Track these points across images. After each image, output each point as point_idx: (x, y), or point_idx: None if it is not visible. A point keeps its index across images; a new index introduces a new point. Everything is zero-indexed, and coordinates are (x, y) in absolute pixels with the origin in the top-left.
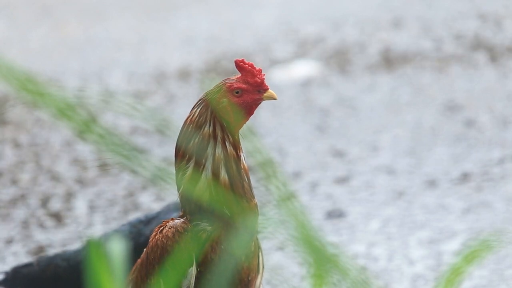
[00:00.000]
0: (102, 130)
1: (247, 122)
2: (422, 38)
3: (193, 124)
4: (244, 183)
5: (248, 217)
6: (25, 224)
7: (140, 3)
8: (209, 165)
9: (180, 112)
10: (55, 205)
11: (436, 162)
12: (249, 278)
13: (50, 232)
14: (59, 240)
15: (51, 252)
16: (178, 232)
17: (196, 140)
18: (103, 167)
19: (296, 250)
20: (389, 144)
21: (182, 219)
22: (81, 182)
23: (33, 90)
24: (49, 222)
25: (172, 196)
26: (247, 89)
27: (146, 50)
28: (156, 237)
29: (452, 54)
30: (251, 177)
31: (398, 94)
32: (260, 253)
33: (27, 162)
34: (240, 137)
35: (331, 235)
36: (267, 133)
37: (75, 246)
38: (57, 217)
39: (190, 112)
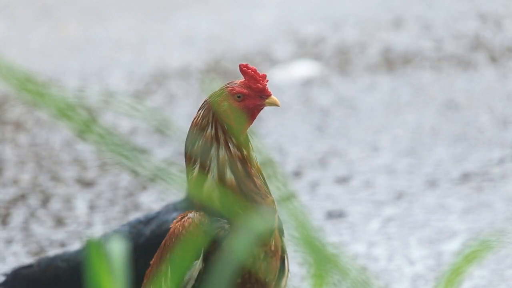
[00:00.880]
0: (102, 130)
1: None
2: (422, 38)
3: (197, 126)
4: (257, 180)
5: (262, 214)
6: (25, 224)
7: (140, 3)
8: (214, 166)
9: (180, 112)
10: (55, 205)
11: (436, 162)
12: (267, 280)
13: (50, 232)
14: (59, 240)
15: (51, 252)
16: (194, 224)
17: (200, 142)
18: (103, 167)
19: (296, 250)
20: (389, 144)
21: (198, 214)
22: (81, 182)
23: (33, 90)
24: (49, 222)
25: (172, 196)
26: (248, 94)
27: (146, 50)
28: (176, 224)
29: (452, 54)
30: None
31: (398, 94)
32: (285, 256)
33: (27, 162)
34: (248, 137)
35: (331, 235)
36: (267, 133)
37: (75, 246)
38: (57, 218)
39: (196, 114)
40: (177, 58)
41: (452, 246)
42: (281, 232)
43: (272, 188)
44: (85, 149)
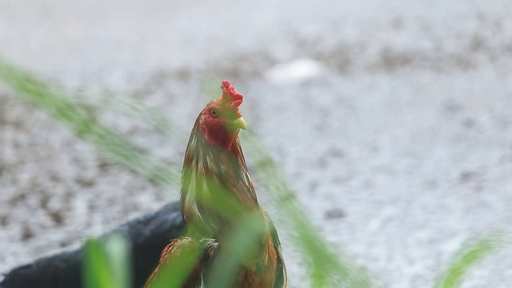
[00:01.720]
0: (102, 130)
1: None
2: (422, 38)
3: (189, 136)
4: (240, 194)
5: (246, 228)
6: (24, 224)
7: (140, 3)
8: (193, 179)
9: (180, 112)
10: (55, 205)
11: (436, 162)
12: None
13: (50, 232)
14: (59, 240)
15: (51, 252)
16: (186, 253)
17: (186, 153)
18: (103, 167)
19: (295, 250)
20: (389, 144)
21: (189, 239)
22: (81, 182)
23: (33, 90)
24: (49, 222)
25: (171, 196)
26: (221, 111)
27: (146, 50)
28: (166, 257)
29: (452, 54)
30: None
31: (398, 94)
32: (282, 267)
33: (27, 162)
34: (238, 153)
35: (331, 235)
36: (266, 133)
37: (74, 246)
38: (57, 217)
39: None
40: (177, 58)
41: (451, 246)
42: (276, 243)
43: (272, 188)
44: (85, 149)
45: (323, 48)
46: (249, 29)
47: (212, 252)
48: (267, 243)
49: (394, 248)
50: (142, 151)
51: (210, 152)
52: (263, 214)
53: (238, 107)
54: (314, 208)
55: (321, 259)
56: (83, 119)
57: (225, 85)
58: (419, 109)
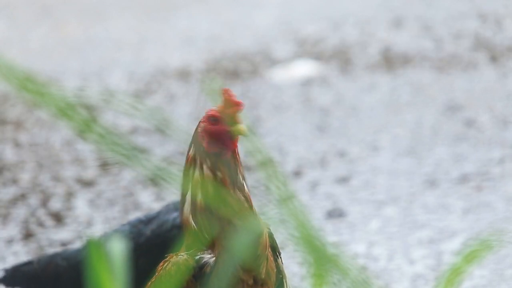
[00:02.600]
0: (102, 130)
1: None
2: (422, 38)
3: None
4: (236, 203)
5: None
6: (25, 224)
7: (140, 3)
8: (189, 187)
9: (180, 112)
10: (55, 205)
11: (436, 162)
12: None
13: (50, 231)
14: (59, 240)
15: (51, 251)
16: (180, 270)
17: (185, 161)
18: (103, 166)
19: (296, 250)
20: (389, 144)
21: (184, 256)
22: (82, 181)
23: (33, 90)
24: (49, 222)
25: (172, 195)
26: (220, 119)
27: (146, 50)
28: (161, 273)
29: (452, 54)
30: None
31: (398, 94)
32: (284, 279)
33: (27, 162)
34: (237, 161)
35: (331, 235)
36: (267, 133)
37: (75, 245)
38: (57, 217)
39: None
40: (177, 58)
41: (452, 246)
42: (276, 255)
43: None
44: (85, 149)
45: (323, 48)
46: (249, 29)
47: (208, 269)
48: (265, 255)
49: (395, 248)
50: (143, 150)
51: (208, 160)
52: (261, 224)
53: (238, 113)
54: (315, 207)
55: (322, 259)
56: (83, 118)
57: (225, 92)
58: (420, 109)
